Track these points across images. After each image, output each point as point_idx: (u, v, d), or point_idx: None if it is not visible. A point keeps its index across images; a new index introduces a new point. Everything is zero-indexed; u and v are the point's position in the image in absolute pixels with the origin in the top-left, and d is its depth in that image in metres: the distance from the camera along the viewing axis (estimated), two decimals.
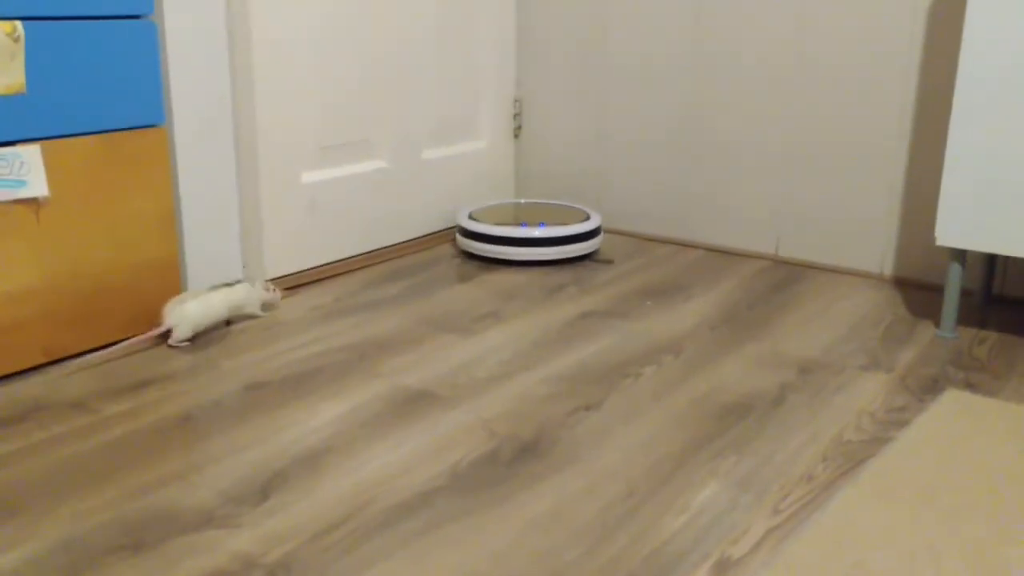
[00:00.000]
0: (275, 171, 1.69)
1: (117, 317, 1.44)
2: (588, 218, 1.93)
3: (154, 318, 1.48)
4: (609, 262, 1.83)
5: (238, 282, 1.57)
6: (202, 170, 1.55)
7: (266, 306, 1.61)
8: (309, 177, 1.76)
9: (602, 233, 1.97)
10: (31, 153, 1.30)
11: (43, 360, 1.37)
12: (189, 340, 1.46)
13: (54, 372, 1.36)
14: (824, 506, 1.02)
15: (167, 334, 1.46)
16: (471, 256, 1.93)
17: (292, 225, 1.74)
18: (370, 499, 1.04)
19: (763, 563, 0.92)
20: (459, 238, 1.94)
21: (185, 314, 1.45)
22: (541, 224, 1.86)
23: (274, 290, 1.61)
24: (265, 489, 1.06)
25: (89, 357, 1.40)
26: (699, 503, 1.03)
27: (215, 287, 1.54)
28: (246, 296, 1.56)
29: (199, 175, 1.55)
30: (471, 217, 1.94)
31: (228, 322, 1.55)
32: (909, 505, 1.03)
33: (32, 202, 1.32)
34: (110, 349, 1.42)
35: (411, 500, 1.04)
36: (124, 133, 1.41)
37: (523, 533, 0.98)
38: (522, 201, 2.11)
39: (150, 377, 1.34)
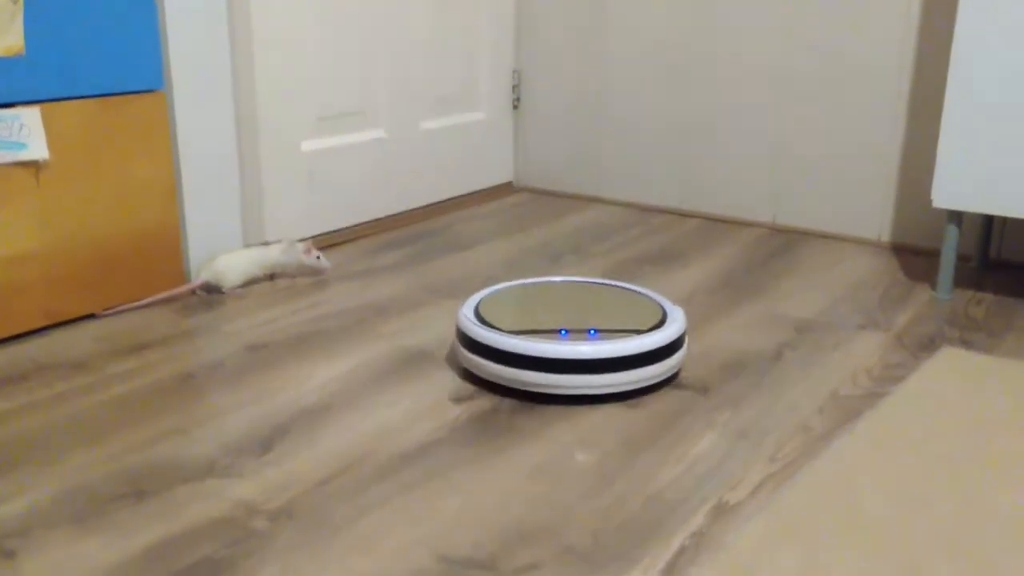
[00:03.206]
0: (275, 139, 1.69)
1: (118, 282, 1.45)
2: (664, 318, 1.22)
3: (155, 283, 1.49)
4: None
5: (277, 242, 1.60)
6: (202, 137, 1.56)
7: (305, 270, 1.61)
8: (308, 146, 1.76)
9: (686, 343, 1.23)
10: (31, 115, 1.31)
11: (44, 323, 1.38)
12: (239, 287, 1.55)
13: (55, 334, 1.36)
14: (820, 455, 1.03)
15: (198, 291, 1.53)
16: (477, 380, 1.21)
17: (292, 194, 1.75)
18: (370, 451, 1.05)
19: (759, 507, 0.93)
20: (460, 351, 1.22)
21: (232, 265, 1.53)
22: (591, 332, 1.17)
23: (318, 256, 1.60)
24: (266, 442, 1.07)
25: (119, 310, 1.41)
26: (696, 453, 1.04)
27: (250, 246, 1.59)
28: (279, 257, 1.58)
29: (199, 142, 1.55)
30: (479, 316, 1.22)
31: (271, 277, 1.60)
32: (903, 454, 1.04)
33: (32, 165, 1.32)
34: (137, 303, 1.47)
35: (411, 451, 1.05)
36: (123, 97, 1.41)
37: (523, 481, 0.98)
38: (556, 279, 1.36)
39: (151, 340, 1.35)
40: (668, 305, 1.26)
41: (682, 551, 0.86)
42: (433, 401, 1.17)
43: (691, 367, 1.26)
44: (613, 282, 1.36)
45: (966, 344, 1.34)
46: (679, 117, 2.01)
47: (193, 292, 1.52)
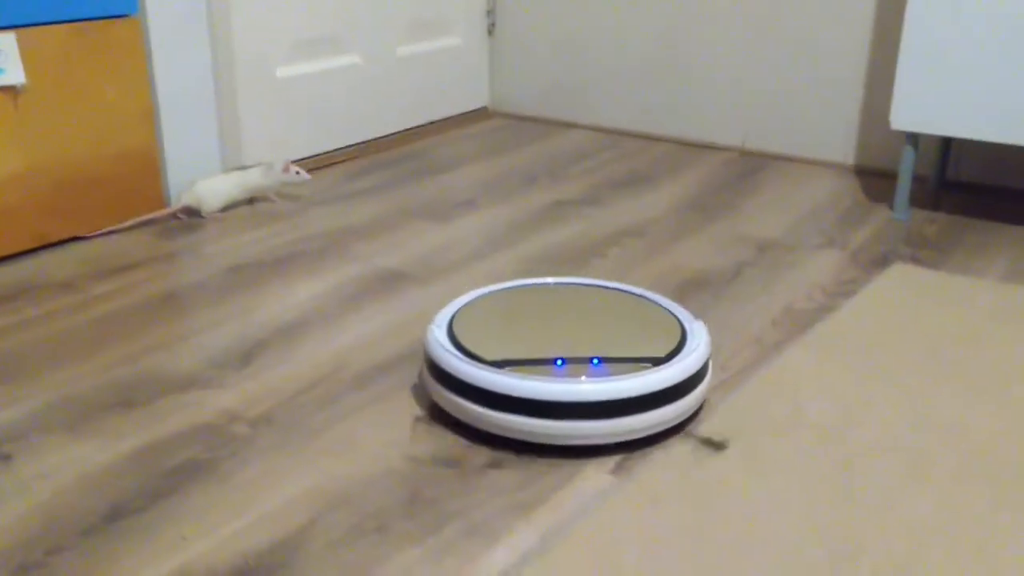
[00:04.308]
0: (250, 65, 1.71)
1: (99, 206, 1.49)
2: (683, 338, 0.99)
3: (136, 207, 1.53)
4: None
5: (255, 165, 1.63)
6: (178, 63, 1.58)
7: (285, 190, 1.66)
8: (284, 72, 1.78)
9: (710, 372, 1.00)
10: (7, 41, 1.33)
11: (27, 246, 1.42)
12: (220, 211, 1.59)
13: (40, 257, 1.41)
14: (770, 363, 1.10)
15: (179, 214, 1.57)
16: (446, 419, 0.98)
17: (269, 119, 1.77)
18: (345, 363, 1.11)
19: (709, 411, 1.00)
20: (427, 380, 0.99)
21: (212, 189, 1.56)
22: (595, 361, 0.94)
23: (297, 171, 1.63)
24: (247, 356, 1.12)
25: (98, 236, 1.45)
26: None
27: (229, 170, 1.63)
28: (259, 180, 1.62)
29: (175, 68, 1.57)
30: (452, 338, 0.98)
31: (251, 200, 1.64)
32: (849, 362, 1.10)
33: (10, 90, 1.35)
34: (118, 226, 1.51)
35: (385, 363, 1.11)
36: (98, 22, 1.43)
37: None
38: (550, 281, 1.12)
39: (134, 261, 1.40)
40: (686, 318, 1.03)
41: (632, 450, 0.93)
42: (407, 317, 1.22)
43: (653, 287, 1.32)
44: (619, 286, 1.11)
45: (916, 261, 1.40)
46: (652, 44, 2.03)
47: (174, 216, 1.56)
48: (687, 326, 1.02)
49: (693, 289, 1.30)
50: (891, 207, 1.62)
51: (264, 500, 0.85)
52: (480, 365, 0.93)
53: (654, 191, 1.73)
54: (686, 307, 1.10)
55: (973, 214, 1.61)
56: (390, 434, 0.96)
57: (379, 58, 1.97)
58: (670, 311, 1.06)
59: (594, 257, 1.42)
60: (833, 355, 1.12)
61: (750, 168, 1.87)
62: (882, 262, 1.40)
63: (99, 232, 1.49)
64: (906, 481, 0.88)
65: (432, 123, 2.14)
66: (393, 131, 2.04)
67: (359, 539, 0.80)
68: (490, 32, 2.23)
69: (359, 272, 1.37)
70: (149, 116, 1.53)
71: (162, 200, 1.58)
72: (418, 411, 1.00)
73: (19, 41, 1.34)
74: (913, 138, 1.54)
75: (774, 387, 1.05)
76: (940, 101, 1.47)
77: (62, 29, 1.39)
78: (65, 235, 1.46)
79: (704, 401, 1.00)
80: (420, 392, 1.04)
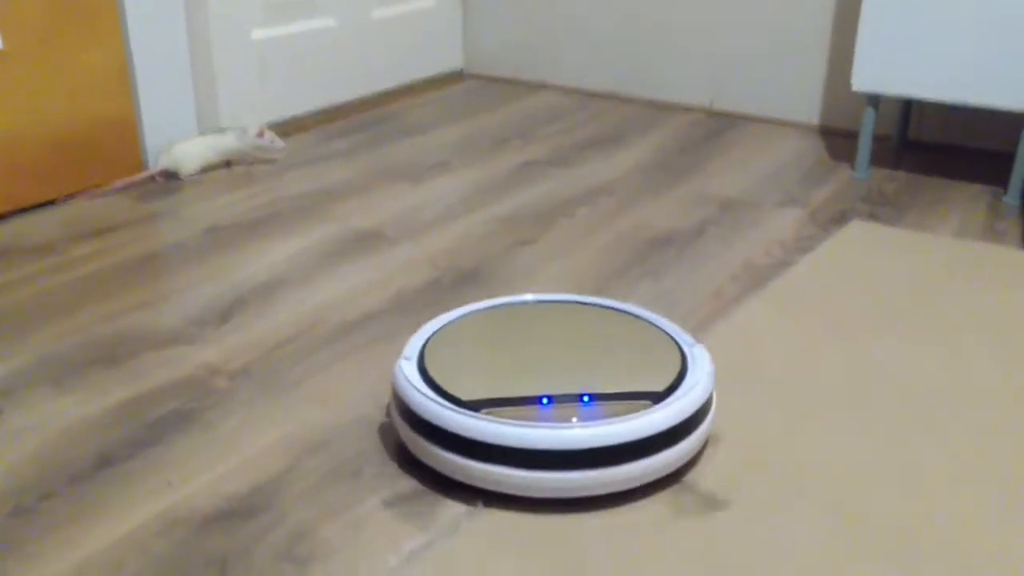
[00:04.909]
0: (225, 28, 1.73)
1: (77, 169, 1.51)
2: (684, 366, 0.88)
3: (114, 170, 1.55)
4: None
5: (231, 129, 1.65)
6: (152, 26, 1.59)
7: (260, 154, 1.67)
8: (259, 34, 1.80)
9: (714, 406, 0.88)
10: None
11: (6, 209, 1.44)
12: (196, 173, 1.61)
13: (19, 220, 1.43)
14: (728, 316, 1.15)
15: (157, 177, 1.59)
16: (412, 463, 0.87)
17: (244, 82, 1.79)
18: (320, 319, 1.15)
19: None
20: (396, 420, 0.88)
21: (189, 152, 1.59)
22: (585, 399, 0.82)
23: (272, 139, 1.65)
24: (226, 313, 1.16)
25: (76, 199, 1.48)
26: None
27: (204, 133, 1.65)
28: (234, 143, 1.64)
29: (149, 31, 1.59)
30: (424, 372, 0.87)
31: (228, 164, 1.66)
32: (803, 315, 1.16)
33: None
34: (97, 190, 1.53)
35: (358, 319, 1.15)
36: None
37: None
38: (527, 298, 1.00)
39: (113, 224, 1.43)
40: (685, 341, 0.92)
41: None
42: (381, 275, 1.27)
43: (618, 245, 1.37)
44: (609, 302, 0.99)
45: (874, 218, 1.45)
46: (623, 6, 2.06)
47: (152, 179, 1.59)
48: (687, 351, 0.90)
49: (657, 247, 1.35)
50: (852, 166, 1.67)
51: (245, 447, 0.90)
52: (456, 408, 0.81)
53: (622, 151, 1.77)
54: (649, 265, 1.13)
55: (932, 172, 1.66)
56: (365, 385, 1.01)
57: (354, 20, 1.98)
58: (666, 332, 0.93)
59: (562, 217, 1.46)
60: (788, 308, 1.17)
61: (717, 128, 1.92)
62: (840, 219, 1.45)
63: (77, 195, 1.51)
64: (852, 427, 0.94)
65: (407, 85, 2.16)
66: (368, 93, 2.07)
67: (335, 483, 0.85)
68: None
69: (335, 232, 1.40)
70: (124, 79, 1.55)
71: (140, 163, 1.61)
72: (391, 363, 1.05)
73: None
74: (874, 99, 1.58)
75: (730, 338, 1.10)
76: (900, 63, 1.51)
77: None
78: (43, 198, 1.48)
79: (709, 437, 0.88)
80: (393, 345, 1.08)
